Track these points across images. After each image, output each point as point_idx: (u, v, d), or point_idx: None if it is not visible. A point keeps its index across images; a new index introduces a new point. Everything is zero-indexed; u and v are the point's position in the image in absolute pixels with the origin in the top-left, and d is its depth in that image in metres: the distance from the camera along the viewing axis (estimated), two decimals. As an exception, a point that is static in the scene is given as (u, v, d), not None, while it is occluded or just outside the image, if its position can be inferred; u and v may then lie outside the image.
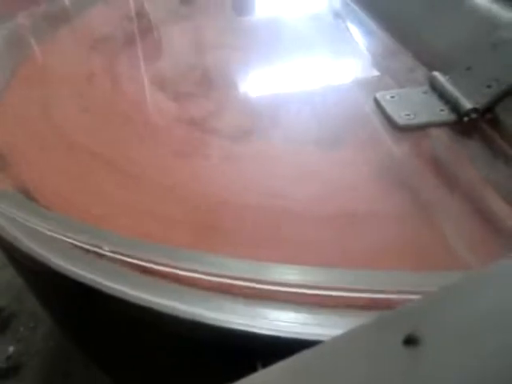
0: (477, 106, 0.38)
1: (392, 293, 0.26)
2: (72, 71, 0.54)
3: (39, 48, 0.60)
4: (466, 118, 0.38)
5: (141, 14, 0.69)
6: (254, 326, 0.26)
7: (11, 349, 0.79)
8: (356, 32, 0.60)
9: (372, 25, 0.59)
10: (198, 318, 0.27)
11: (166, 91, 0.49)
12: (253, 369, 0.18)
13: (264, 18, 0.71)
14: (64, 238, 0.30)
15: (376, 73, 0.50)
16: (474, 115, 0.38)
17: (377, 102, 0.42)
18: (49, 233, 0.30)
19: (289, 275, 0.27)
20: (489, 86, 0.38)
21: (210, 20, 0.69)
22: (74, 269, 0.29)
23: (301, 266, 0.27)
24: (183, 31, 0.65)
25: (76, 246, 0.30)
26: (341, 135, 0.41)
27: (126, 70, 0.54)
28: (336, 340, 0.18)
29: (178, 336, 0.29)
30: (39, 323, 0.81)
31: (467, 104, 0.38)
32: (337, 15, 0.65)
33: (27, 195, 0.35)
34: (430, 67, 0.46)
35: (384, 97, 0.42)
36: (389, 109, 0.41)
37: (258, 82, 0.53)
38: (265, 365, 0.17)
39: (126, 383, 0.48)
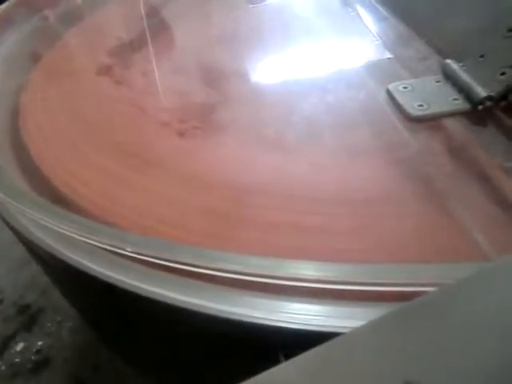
0: (491, 94, 0.37)
1: (409, 285, 0.26)
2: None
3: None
4: (480, 107, 0.38)
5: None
6: (276, 320, 0.27)
7: (40, 343, 0.81)
8: (367, 19, 0.59)
9: (383, 11, 0.59)
10: (220, 314, 0.27)
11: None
12: (276, 361, 0.19)
13: (272, 6, 0.70)
14: (88, 240, 0.31)
15: (388, 62, 0.49)
16: (488, 103, 0.38)
17: (389, 94, 0.42)
18: (74, 235, 0.31)
19: (308, 271, 0.27)
20: (503, 74, 0.37)
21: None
22: (97, 268, 0.31)
23: (318, 261, 0.28)
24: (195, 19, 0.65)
25: (99, 247, 0.31)
26: (353, 128, 0.41)
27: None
28: (356, 331, 0.18)
29: (201, 331, 0.30)
30: (66, 318, 0.84)
31: (482, 92, 0.38)
32: (346, 3, 0.64)
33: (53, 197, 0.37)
34: (444, 55, 0.45)
35: (396, 88, 0.42)
36: (401, 100, 0.40)
37: (266, 72, 0.53)
38: (287, 357, 0.17)
39: (149, 375, 0.49)
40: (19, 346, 0.81)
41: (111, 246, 0.29)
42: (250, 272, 0.27)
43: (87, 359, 0.77)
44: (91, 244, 0.30)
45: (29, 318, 0.86)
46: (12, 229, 0.37)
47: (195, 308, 0.28)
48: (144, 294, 0.29)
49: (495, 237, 0.30)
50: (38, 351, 0.80)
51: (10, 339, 0.83)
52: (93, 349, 0.77)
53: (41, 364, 0.79)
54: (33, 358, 0.80)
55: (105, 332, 0.47)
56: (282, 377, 0.17)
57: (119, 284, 0.29)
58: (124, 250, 0.29)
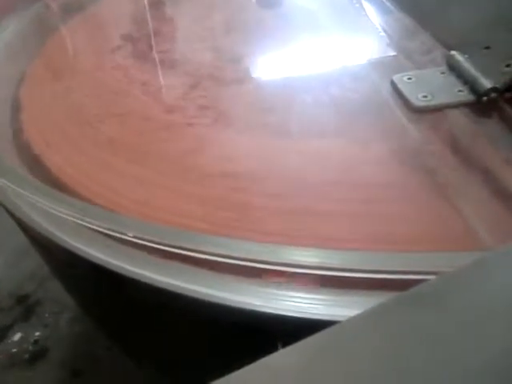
0: (496, 86, 0.37)
1: (410, 273, 0.26)
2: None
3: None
4: (485, 98, 0.38)
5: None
6: (273, 307, 0.27)
7: (38, 334, 0.81)
8: (371, 12, 0.59)
9: (388, 4, 0.58)
10: (218, 301, 0.27)
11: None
12: (272, 350, 0.18)
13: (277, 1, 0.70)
14: (87, 224, 0.31)
15: (393, 53, 0.49)
16: (493, 95, 0.37)
17: (393, 85, 0.42)
18: (73, 219, 0.31)
19: (307, 257, 0.27)
20: (508, 65, 0.37)
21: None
22: (96, 253, 0.30)
23: (319, 248, 0.28)
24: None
25: (99, 231, 0.31)
26: (357, 119, 0.41)
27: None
28: (353, 319, 0.18)
29: (199, 318, 0.30)
30: (64, 309, 0.84)
31: (486, 83, 0.38)
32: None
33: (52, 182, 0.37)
34: (448, 47, 0.45)
35: (401, 79, 0.42)
36: (406, 91, 0.40)
37: (270, 64, 0.53)
38: (285, 345, 0.17)
39: (148, 366, 0.49)
40: (16, 337, 0.81)
41: (111, 230, 0.29)
42: (249, 258, 0.27)
43: (85, 350, 0.77)
44: (91, 228, 0.30)
45: (27, 308, 0.86)
46: (12, 215, 0.36)
47: (194, 295, 0.28)
48: (143, 280, 0.29)
49: (497, 229, 0.30)
50: (36, 342, 0.80)
51: (8, 329, 0.82)
52: (90, 340, 0.77)
53: (38, 354, 0.78)
54: (30, 348, 0.80)
55: (103, 321, 0.46)
56: (279, 363, 0.17)
57: (119, 270, 0.29)
58: (126, 235, 0.29)
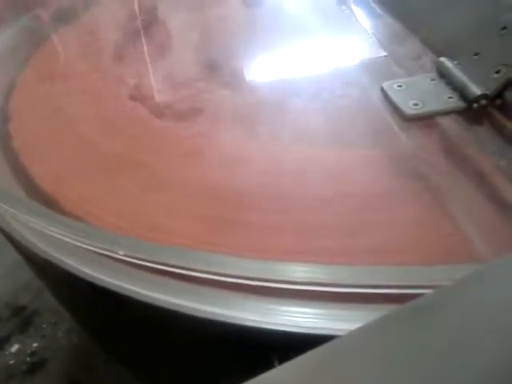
0: (486, 92, 0.37)
1: (405, 288, 0.26)
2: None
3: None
4: (475, 105, 0.38)
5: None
6: (269, 323, 0.26)
7: (35, 345, 0.81)
8: (361, 17, 0.59)
9: (377, 9, 0.58)
10: (214, 317, 0.27)
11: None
12: (270, 365, 0.18)
13: (266, 3, 0.70)
14: (79, 244, 0.30)
15: (382, 60, 0.49)
16: (483, 101, 0.38)
17: (384, 92, 0.42)
18: (65, 238, 0.31)
19: (302, 273, 0.27)
20: (498, 72, 0.37)
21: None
22: (89, 271, 0.30)
23: (313, 264, 0.28)
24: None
25: (91, 250, 0.30)
26: (348, 127, 0.41)
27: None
28: (351, 334, 0.18)
29: (194, 334, 0.30)
30: (61, 320, 0.83)
31: (476, 90, 0.38)
32: (340, 1, 0.64)
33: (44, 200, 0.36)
34: (438, 52, 0.45)
35: (391, 86, 0.42)
36: (396, 99, 0.40)
37: (258, 69, 0.53)
38: (282, 361, 0.17)
39: (145, 378, 0.49)
40: (14, 348, 0.81)
41: (103, 249, 0.29)
42: (242, 275, 0.27)
43: (82, 361, 0.77)
44: (82, 247, 0.30)
45: (24, 319, 0.85)
46: (3, 232, 0.36)
47: (188, 311, 0.28)
48: (136, 296, 0.29)
49: (490, 235, 0.30)
50: (33, 353, 0.80)
51: (5, 341, 0.82)
52: (88, 351, 0.77)
53: (36, 366, 0.78)
54: (28, 359, 0.79)
55: (98, 335, 0.46)
56: (276, 381, 0.17)
57: (111, 287, 0.29)
58: (116, 253, 0.29)
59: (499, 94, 0.37)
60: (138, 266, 0.29)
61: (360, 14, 0.60)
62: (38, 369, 0.78)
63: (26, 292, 0.89)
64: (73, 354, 0.79)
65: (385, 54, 0.49)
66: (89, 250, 0.30)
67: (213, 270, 0.27)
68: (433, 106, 0.39)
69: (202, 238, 0.33)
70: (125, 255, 0.29)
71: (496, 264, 0.20)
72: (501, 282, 0.19)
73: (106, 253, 0.29)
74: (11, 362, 0.79)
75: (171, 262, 0.28)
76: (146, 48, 0.58)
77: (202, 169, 0.39)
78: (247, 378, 0.17)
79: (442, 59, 0.42)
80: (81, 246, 0.30)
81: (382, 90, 0.42)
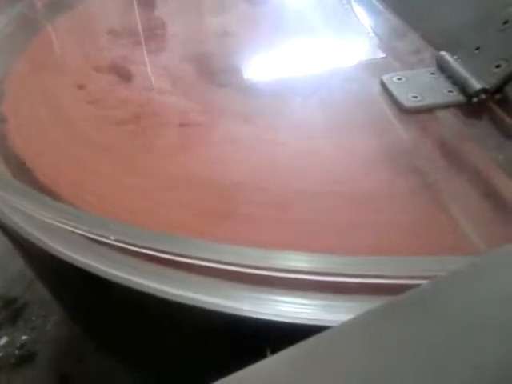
0: (486, 87, 0.37)
1: (400, 278, 0.25)
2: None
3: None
4: (474, 99, 0.38)
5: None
6: (262, 313, 0.26)
7: (24, 337, 0.80)
8: (361, 12, 0.59)
9: (377, 5, 0.58)
10: (205, 306, 0.27)
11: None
12: (262, 355, 0.18)
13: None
14: (70, 228, 0.30)
15: (383, 54, 0.49)
16: (483, 96, 0.37)
17: (383, 85, 0.42)
18: (55, 222, 0.30)
19: (297, 262, 0.26)
20: (498, 66, 0.37)
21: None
22: (78, 257, 0.29)
23: (308, 252, 0.27)
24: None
25: (81, 235, 0.30)
26: (347, 119, 0.40)
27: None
28: (345, 325, 0.18)
29: (185, 323, 0.29)
30: (51, 312, 0.82)
31: (476, 84, 0.37)
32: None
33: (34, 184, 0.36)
34: (438, 47, 0.45)
35: (391, 79, 0.42)
36: (395, 91, 0.40)
37: (259, 66, 0.52)
38: (274, 351, 0.17)
39: (134, 368, 0.48)
40: (3, 341, 0.80)
41: (93, 233, 0.28)
42: (236, 262, 0.26)
43: (72, 354, 0.76)
44: (73, 232, 0.29)
45: (14, 311, 0.84)
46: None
47: (180, 300, 0.27)
48: (126, 283, 0.28)
49: (486, 230, 0.30)
50: (22, 345, 0.79)
51: (-6, 333, 0.81)
52: (78, 343, 0.76)
53: (25, 359, 0.77)
54: (16, 352, 0.78)
55: (88, 323, 0.46)
56: (268, 371, 0.17)
57: (100, 273, 0.28)
58: (107, 238, 0.28)
59: (499, 89, 0.37)
60: (129, 252, 0.29)
61: (359, 9, 0.60)
62: (26, 362, 0.77)
63: (17, 285, 0.88)
64: (62, 347, 0.78)
65: (384, 48, 0.49)
66: (77, 233, 0.30)
67: (204, 256, 0.27)
68: (432, 99, 0.39)
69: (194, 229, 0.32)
70: (116, 240, 0.28)
71: (492, 255, 0.20)
72: (496, 272, 0.19)
73: (96, 237, 0.29)
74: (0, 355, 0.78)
75: (162, 248, 0.27)
76: (143, 44, 0.58)
77: (195, 160, 0.38)
78: (238, 369, 0.16)
79: (443, 53, 0.42)
80: (69, 230, 0.29)
81: (382, 82, 0.42)
